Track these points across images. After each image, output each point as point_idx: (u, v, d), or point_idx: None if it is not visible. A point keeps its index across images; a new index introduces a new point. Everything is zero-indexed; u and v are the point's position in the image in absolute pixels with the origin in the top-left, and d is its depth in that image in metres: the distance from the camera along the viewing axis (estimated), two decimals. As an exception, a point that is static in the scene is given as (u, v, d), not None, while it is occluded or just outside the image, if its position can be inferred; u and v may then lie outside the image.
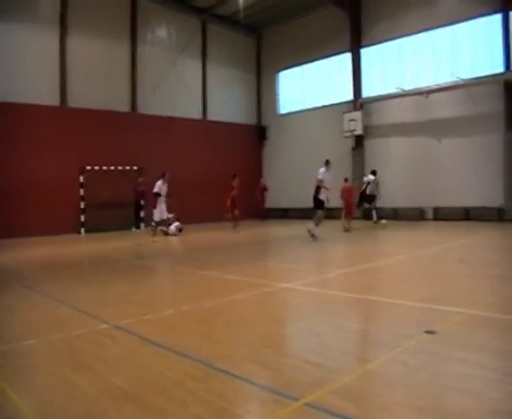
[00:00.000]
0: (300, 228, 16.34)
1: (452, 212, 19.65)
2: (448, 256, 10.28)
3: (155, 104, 22.87)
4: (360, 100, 22.70)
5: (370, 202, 18.24)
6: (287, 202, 25.82)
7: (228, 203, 18.06)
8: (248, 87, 27.97)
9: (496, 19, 18.50)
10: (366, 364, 3.95)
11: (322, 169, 13.87)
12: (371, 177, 18.17)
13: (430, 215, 20.52)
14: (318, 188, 13.71)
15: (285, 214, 25.75)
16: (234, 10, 23.94)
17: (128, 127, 21.59)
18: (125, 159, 20.89)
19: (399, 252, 11.12)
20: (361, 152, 22.97)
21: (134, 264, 10.63)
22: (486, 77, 18.71)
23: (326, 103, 24.71)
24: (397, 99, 21.21)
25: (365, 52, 22.84)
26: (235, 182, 18.63)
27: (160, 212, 15.10)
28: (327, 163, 14.10)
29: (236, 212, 17.92)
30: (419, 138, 20.90)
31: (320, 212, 13.88)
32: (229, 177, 19.30)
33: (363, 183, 18.64)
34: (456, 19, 19.43)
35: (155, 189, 15.12)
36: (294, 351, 4.55)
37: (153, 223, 15.45)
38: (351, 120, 22.41)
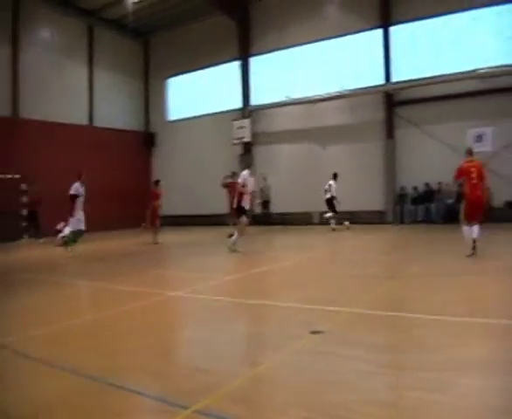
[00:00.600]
0: (193, 235, 16.34)
1: (337, 216, 20.70)
2: (332, 258, 10.85)
3: (40, 109, 21.59)
4: (249, 108, 23.22)
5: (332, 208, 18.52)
6: (178, 208, 25.61)
7: (149, 213, 16.33)
8: (136, 93, 27.42)
9: (378, 34, 19.95)
10: (256, 367, 4.01)
11: (245, 172, 12.36)
12: (331, 182, 18.42)
13: (317, 219, 21.44)
14: (241, 195, 12.14)
15: (176, 221, 25.55)
16: (122, 13, 23.39)
17: (9, 134, 20.17)
18: (7, 167, 19.45)
19: (286, 256, 11.51)
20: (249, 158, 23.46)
21: (20, 279, 9.91)
22: (368, 88, 20.09)
23: (216, 110, 24.94)
24: (286, 108, 22.02)
25: (254, 61, 23.42)
26: (159, 189, 17.21)
27: (77, 221, 13.09)
28: (249, 166, 12.98)
29: (157, 222, 16.34)
30: (306, 145, 21.87)
31: (243, 220, 12.34)
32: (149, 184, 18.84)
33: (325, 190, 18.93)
34: (341, 32, 20.67)
35: (72, 191, 13.21)
36: (183, 359, 4.55)
37: (64, 234, 13.48)
38: (240, 128, 22.87)
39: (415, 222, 19.36)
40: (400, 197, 19.95)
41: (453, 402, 3.19)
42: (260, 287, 7.86)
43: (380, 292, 6.90)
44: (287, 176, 22.19)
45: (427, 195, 19.40)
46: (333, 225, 18.00)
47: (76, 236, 13.25)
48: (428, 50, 19.23)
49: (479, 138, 18.43)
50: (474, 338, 4.65)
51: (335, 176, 17.75)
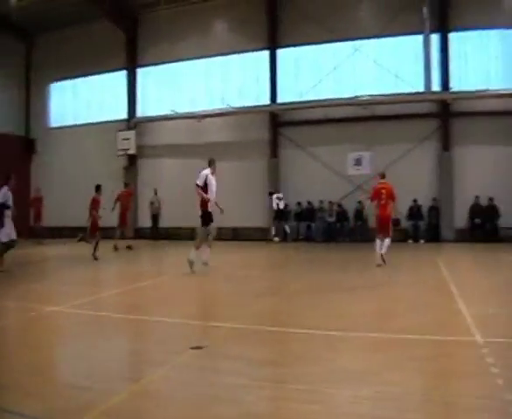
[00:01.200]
0: (76, 248, 15.37)
1: (220, 232, 20.64)
2: (214, 274, 10.74)
3: None
4: (134, 120, 22.74)
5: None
6: (59, 219, 23.76)
7: (89, 223, 14.62)
8: (17, 96, 25.66)
9: (265, 55, 20.71)
10: (136, 383, 4.01)
11: (206, 171, 10.64)
12: (280, 195, 18.61)
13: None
14: (204, 203, 10.37)
15: (60, 233, 23.57)
16: (4, 10, 21.95)
17: None
18: None
19: (170, 271, 11.62)
20: (133, 171, 22.85)
21: None
22: (254, 107, 20.65)
23: (100, 120, 24.06)
24: (172, 122, 21.90)
25: (142, 72, 23.12)
26: (100, 196, 15.62)
27: (10, 230, 11.10)
28: (211, 163, 10.90)
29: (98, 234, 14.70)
30: (192, 160, 21.69)
31: (203, 230, 10.66)
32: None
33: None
34: (229, 51, 21.15)
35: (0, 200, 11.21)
36: (61, 377, 4.41)
37: None
38: (125, 139, 22.29)
39: (297, 239, 19.86)
40: (282, 214, 20.38)
41: (329, 412, 3.40)
42: (142, 302, 7.79)
43: (261, 308, 7.10)
44: (173, 191, 21.83)
45: (309, 214, 20.09)
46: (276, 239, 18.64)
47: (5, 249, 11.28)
48: (312, 74, 20.30)
49: (358, 161, 19.62)
50: (348, 351, 4.97)
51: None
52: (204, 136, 21.46)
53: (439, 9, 18.84)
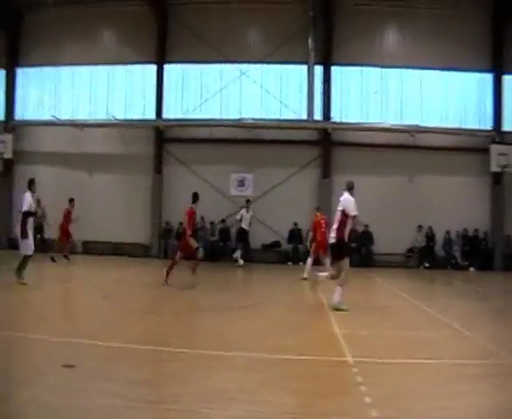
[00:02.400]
0: None
1: (100, 247, 20.45)
2: (93, 290, 10.68)
3: None
4: (12, 122, 21.87)
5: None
6: None
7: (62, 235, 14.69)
8: None
9: (152, 69, 20.73)
10: (3, 404, 3.79)
11: (346, 195, 9.70)
12: (243, 211, 18.13)
13: (79, 248, 20.80)
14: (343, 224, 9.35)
15: None
16: None
17: None
18: None
19: (50, 286, 11.20)
20: (10, 177, 21.99)
21: None
22: (139, 121, 20.68)
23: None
24: (53, 128, 21.31)
25: (23, 73, 22.25)
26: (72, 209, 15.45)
27: (28, 245, 10.39)
28: (350, 187, 10.00)
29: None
30: (73, 170, 21.35)
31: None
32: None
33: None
34: (115, 61, 20.95)
35: (25, 207, 10.18)
36: None
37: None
38: (1, 142, 21.38)
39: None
40: (165, 232, 20.53)
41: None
42: (14, 319, 7.46)
43: (139, 327, 7.14)
44: (53, 201, 21.14)
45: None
46: (240, 262, 17.83)
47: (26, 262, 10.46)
48: (199, 93, 20.67)
49: (241, 183, 20.23)
50: (223, 370, 5.13)
51: (247, 203, 17.92)
52: (87, 146, 21.07)
53: (323, 42, 20.01)
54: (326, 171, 20.19)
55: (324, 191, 19.95)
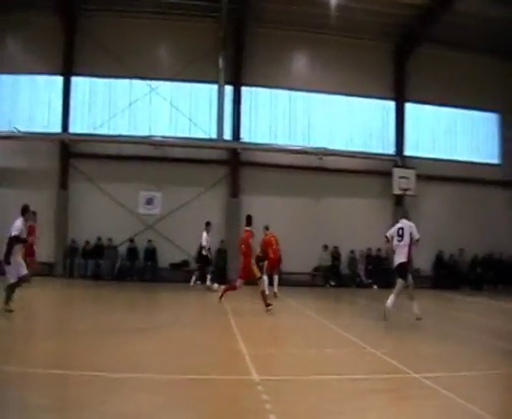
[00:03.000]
0: None
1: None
2: None
3: None
4: None
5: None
6: None
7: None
8: None
9: (59, 81, 20.30)
10: None
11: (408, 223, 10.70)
12: (205, 235, 16.99)
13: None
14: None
15: None
16: None
17: None
18: None
19: None
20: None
21: None
22: (44, 134, 20.15)
23: None
24: None
25: None
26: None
27: (18, 267, 10.05)
28: (405, 216, 11.31)
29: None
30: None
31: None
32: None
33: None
34: (19, 71, 20.29)
35: (15, 232, 9.91)
36: None
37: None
38: None
39: (85, 276, 19.71)
40: (71, 250, 20.16)
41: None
42: None
43: (44, 349, 6.97)
44: None
45: (98, 250, 20.10)
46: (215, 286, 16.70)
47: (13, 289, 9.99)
48: (107, 108, 20.47)
49: (149, 201, 20.26)
50: (126, 392, 5.07)
51: (207, 226, 16.95)
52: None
53: (233, 63, 20.52)
54: (234, 191, 20.62)
55: (232, 211, 20.38)
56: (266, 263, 14.75)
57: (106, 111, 20.43)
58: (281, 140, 20.92)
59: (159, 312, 11.59)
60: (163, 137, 19.93)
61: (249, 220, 12.57)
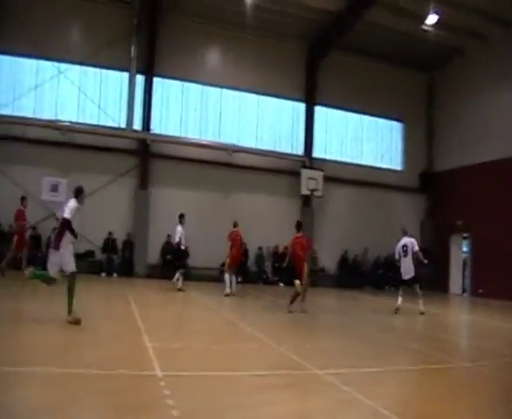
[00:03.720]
0: None
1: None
2: None
3: None
4: None
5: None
6: None
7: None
8: None
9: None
10: None
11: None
12: (180, 228, 15.92)
13: None
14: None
15: None
16: None
17: None
18: None
19: None
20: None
21: None
22: None
23: None
24: None
25: None
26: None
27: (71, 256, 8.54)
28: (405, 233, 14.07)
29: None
30: None
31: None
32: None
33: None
34: None
35: (67, 214, 8.43)
36: None
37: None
38: None
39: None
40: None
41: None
42: None
43: None
44: None
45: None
46: (180, 283, 15.95)
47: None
48: (12, 88, 19.76)
49: (54, 187, 19.79)
50: (22, 387, 4.84)
51: (181, 218, 15.97)
52: None
53: (146, 52, 20.65)
54: (143, 182, 20.67)
55: (141, 202, 20.43)
56: (228, 260, 15.59)
57: (10, 91, 19.77)
58: (192, 134, 21.23)
59: (62, 303, 11.39)
60: (71, 122, 19.64)
61: (299, 226, 12.92)
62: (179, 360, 6.64)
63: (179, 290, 15.51)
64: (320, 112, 23.55)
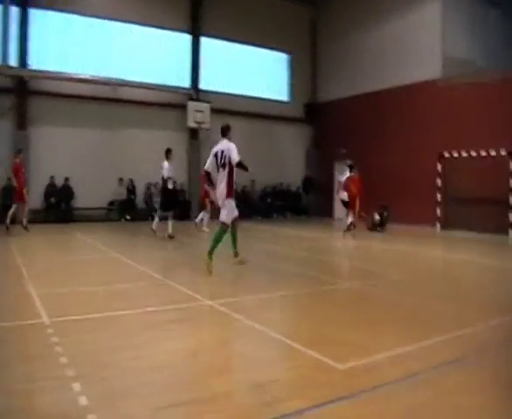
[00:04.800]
0: None
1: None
2: None
3: None
4: None
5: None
6: None
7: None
8: None
9: None
10: None
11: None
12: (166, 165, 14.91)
13: None
14: None
15: None
16: None
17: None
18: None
19: None
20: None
21: None
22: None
23: None
24: None
25: None
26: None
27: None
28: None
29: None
30: None
31: None
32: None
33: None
34: None
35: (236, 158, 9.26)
36: None
37: None
38: None
39: None
40: None
41: None
42: None
43: None
44: None
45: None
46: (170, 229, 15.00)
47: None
48: None
49: None
50: None
51: (167, 153, 15.11)
52: None
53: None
54: (21, 122, 19.97)
55: (20, 144, 19.79)
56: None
57: None
58: (75, 69, 20.62)
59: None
60: None
61: (351, 167, 16.73)
62: (68, 305, 6.67)
63: (170, 237, 14.71)
64: (206, 43, 23.76)
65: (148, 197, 22.39)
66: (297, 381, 4.22)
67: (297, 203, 26.14)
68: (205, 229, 16.90)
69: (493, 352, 5.10)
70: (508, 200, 17.03)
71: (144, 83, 21.92)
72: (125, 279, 8.58)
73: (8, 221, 15.21)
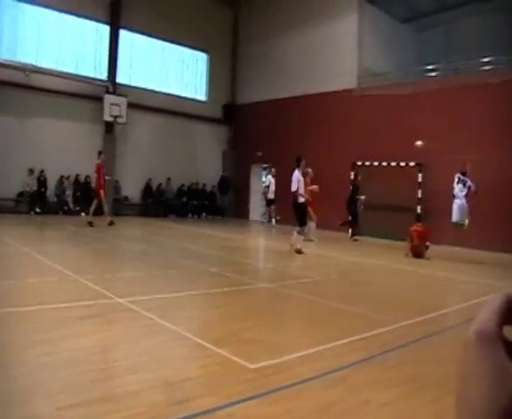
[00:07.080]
0: None
1: None
2: None
3: None
4: None
5: None
6: None
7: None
8: None
9: None
10: None
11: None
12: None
13: None
14: None
15: None
16: None
17: None
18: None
19: None
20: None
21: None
22: None
23: None
24: None
25: None
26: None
27: None
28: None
29: None
30: None
31: None
32: None
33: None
34: None
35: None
36: None
37: None
38: None
39: None
40: None
41: None
42: None
43: None
44: None
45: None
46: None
47: None
48: None
49: None
50: None
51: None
52: None
53: None
54: None
55: None
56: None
57: None
58: (-18, 53, 20.31)
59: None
60: None
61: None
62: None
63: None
64: (125, 36, 24.19)
65: (61, 191, 22.30)
66: (208, 380, 4.39)
67: (213, 203, 27.01)
68: (313, 238, 17.13)
69: (399, 351, 5.52)
70: (415, 208, 18.60)
71: (59, 71, 21.94)
72: (32, 274, 8.39)
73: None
